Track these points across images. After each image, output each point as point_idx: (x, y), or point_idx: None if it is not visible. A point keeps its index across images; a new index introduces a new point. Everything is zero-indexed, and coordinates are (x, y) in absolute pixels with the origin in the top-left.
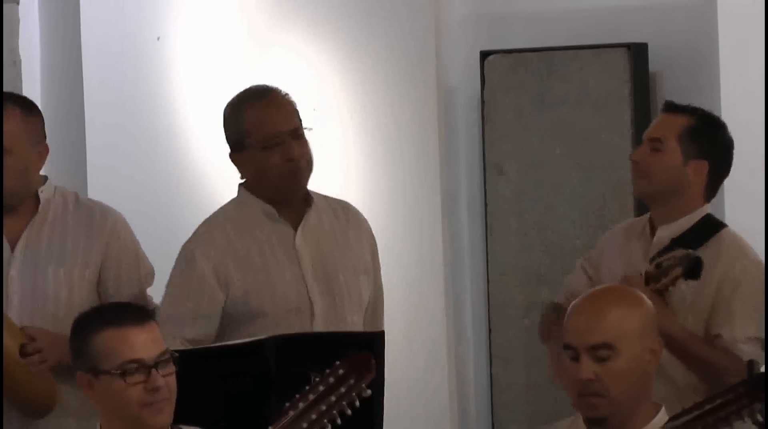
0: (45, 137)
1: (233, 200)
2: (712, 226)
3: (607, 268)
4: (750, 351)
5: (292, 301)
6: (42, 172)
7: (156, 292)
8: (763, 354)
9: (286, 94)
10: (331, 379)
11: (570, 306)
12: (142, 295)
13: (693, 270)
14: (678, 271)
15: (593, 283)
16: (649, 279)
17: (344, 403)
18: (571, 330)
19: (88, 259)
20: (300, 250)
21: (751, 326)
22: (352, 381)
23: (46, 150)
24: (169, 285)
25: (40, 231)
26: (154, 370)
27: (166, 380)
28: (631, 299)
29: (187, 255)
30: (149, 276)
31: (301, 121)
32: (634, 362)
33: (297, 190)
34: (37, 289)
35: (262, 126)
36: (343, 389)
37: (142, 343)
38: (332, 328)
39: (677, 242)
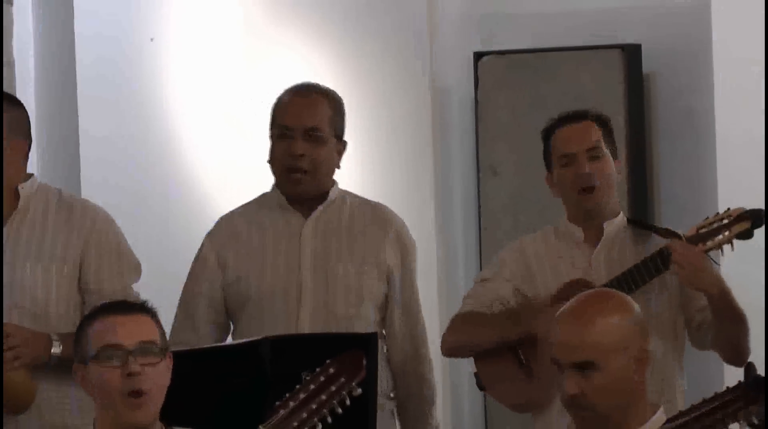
0: (30, 136)
1: (262, 193)
2: (639, 219)
3: (550, 276)
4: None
5: (279, 289)
6: (36, 171)
7: (148, 290)
8: None
9: (328, 97)
10: (322, 378)
11: (556, 316)
12: (125, 289)
13: (756, 225)
14: (744, 226)
15: (524, 295)
16: (693, 242)
17: (335, 401)
18: (555, 345)
19: (66, 255)
20: (304, 240)
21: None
22: (342, 379)
23: (28, 147)
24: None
25: (20, 227)
26: (131, 357)
27: (146, 369)
28: (617, 307)
29: (202, 241)
30: (133, 271)
31: (325, 126)
32: (618, 374)
33: (294, 188)
34: (15, 285)
35: (280, 115)
36: (333, 387)
37: (124, 330)
38: (320, 319)
39: (636, 230)
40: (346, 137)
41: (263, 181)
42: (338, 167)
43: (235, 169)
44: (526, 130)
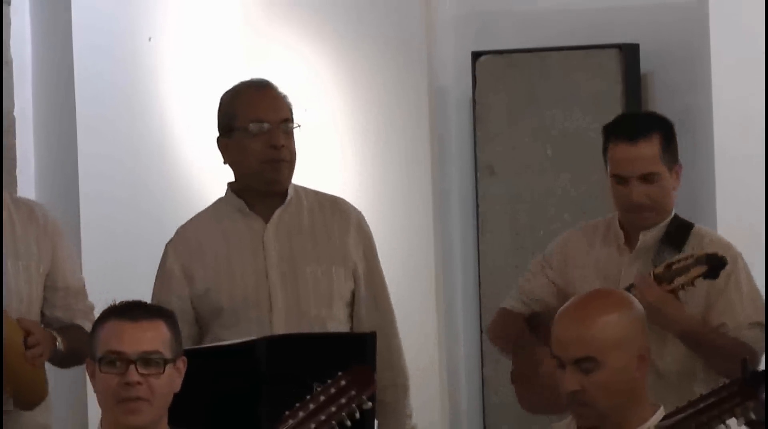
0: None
1: (217, 199)
2: (684, 225)
3: (579, 275)
4: (754, 336)
5: (250, 296)
6: (34, 170)
7: (145, 288)
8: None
9: (281, 90)
10: (332, 390)
11: (557, 314)
12: (83, 287)
13: (715, 269)
14: (701, 270)
15: (560, 290)
16: (660, 279)
17: (344, 414)
18: (556, 341)
19: (41, 254)
20: (267, 243)
21: (750, 312)
22: (353, 392)
23: None
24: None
25: None
26: (132, 366)
27: (148, 379)
28: (619, 305)
29: (163, 252)
30: (81, 267)
31: (292, 118)
32: (620, 373)
33: (276, 180)
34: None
35: (251, 110)
36: (343, 400)
37: (130, 337)
38: (293, 323)
39: (664, 242)
40: (343, 138)
41: None
42: None
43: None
44: (523, 129)
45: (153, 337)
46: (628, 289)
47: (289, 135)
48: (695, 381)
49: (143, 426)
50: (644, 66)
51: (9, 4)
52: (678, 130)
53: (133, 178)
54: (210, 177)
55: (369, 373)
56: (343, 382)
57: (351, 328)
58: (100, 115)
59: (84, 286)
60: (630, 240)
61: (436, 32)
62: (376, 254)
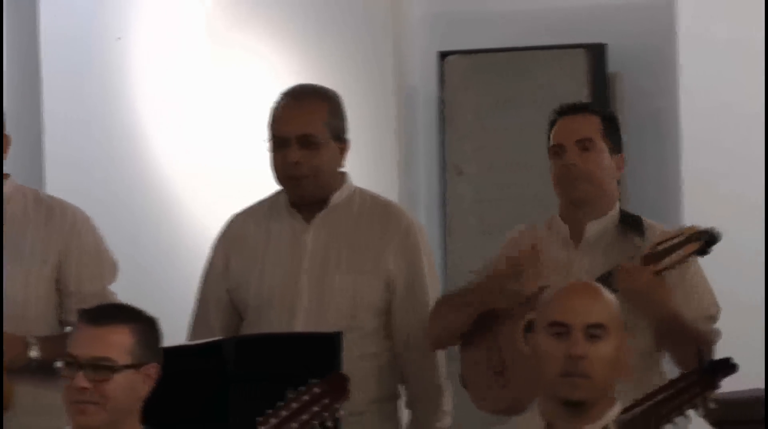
0: (3, 130)
1: (276, 191)
2: (634, 217)
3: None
4: (709, 329)
5: (276, 296)
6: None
7: (123, 290)
8: (717, 331)
9: (322, 99)
10: (306, 397)
11: (558, 290)
12: (104, 291)
13: (709, 245)
14: (695, 246)
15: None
16: (648, 260)
17: (316, 422)
18: (565, 308)
19: (46, 257)
20: (305, 246)
21: (706, 305)
22: (326, 401)
23: (8, 142)
24: None
25: None
26: (80, 372)
27: (97, 385)
28: (608, 295)
29: (215, 241)
30: (112, 272)
31: (326, 128)
32: (616, 350)
33: (298, 195)
34: None
35: (274, 124)
36: (316, 408)
37: (84, 342)
38: (313, 327)
39: (625, 230)
40: None
41: (232, 177)
42: (341, 167)
43: (202, 166)
44: (491, 129)
45: (108, 342)
46: (609, 274)
47: (311, 149)
48: (660, 359)
49: (94, 427)
50: (611, 66)
51: None
52: (646, 129)
53: (101, 175)
54: (181, 172)
55: (343, 381)
56: (317, 390)
57: (388, 337)
58: (69, 113)
59: (105, 289)
60: (574, 234)
61: (404, 32)
62: (422, 264)
